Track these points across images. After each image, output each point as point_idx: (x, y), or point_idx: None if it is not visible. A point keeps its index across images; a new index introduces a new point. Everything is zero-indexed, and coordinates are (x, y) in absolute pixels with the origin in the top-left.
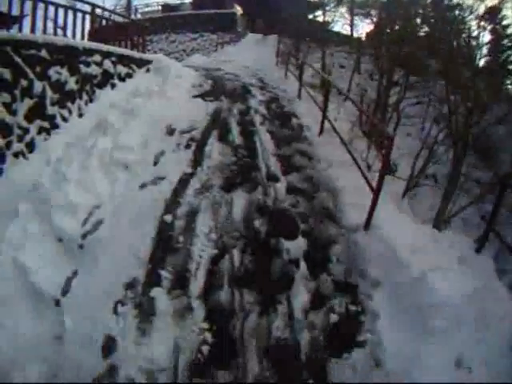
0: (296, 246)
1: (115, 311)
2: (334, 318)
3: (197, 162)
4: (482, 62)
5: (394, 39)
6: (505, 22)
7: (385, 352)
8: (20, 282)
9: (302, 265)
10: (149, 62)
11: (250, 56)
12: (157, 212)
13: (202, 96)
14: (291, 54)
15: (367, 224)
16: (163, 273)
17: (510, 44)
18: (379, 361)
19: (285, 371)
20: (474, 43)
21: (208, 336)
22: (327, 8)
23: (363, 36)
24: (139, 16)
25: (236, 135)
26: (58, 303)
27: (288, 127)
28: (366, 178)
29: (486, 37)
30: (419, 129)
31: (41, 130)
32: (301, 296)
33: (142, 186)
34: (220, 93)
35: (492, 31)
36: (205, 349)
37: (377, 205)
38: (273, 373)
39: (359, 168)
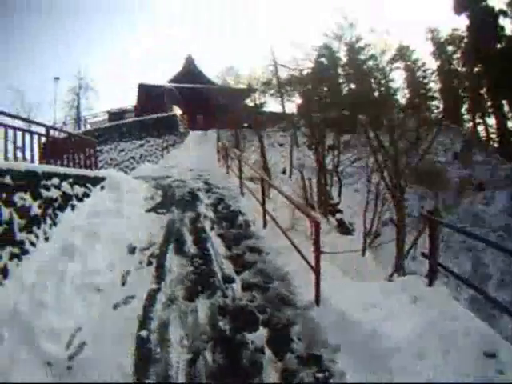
0: (258, 337)
1: None
2: None
3: (160, 277)
4: (404, 100)
5: (321, 104)
6: (414, 57)
7: None
8: None
9: (267, 351)
10: (103, 179)
11: (193, 157)
12: (132, 329)
13: (155, 209)
14: (230, 149)
15: (317, 299)
16: (149, 382)
17: (423, 74)
18: None
19: None
20: (391, 85)
21: None
22: (258, 92)
23: (295, 110)
24: (88, 126)
25: (190, 245)
26: None
27: (235, 226)
28: (306, 261)
29: (402, 76)
30: (365, 182)
31: (12, 256)
32: (272, 378)
33: (115, 306)
34: (170, 203)
35: (405, 68)
36: None
37: (319, 281)
38: None
39: (299, 252)
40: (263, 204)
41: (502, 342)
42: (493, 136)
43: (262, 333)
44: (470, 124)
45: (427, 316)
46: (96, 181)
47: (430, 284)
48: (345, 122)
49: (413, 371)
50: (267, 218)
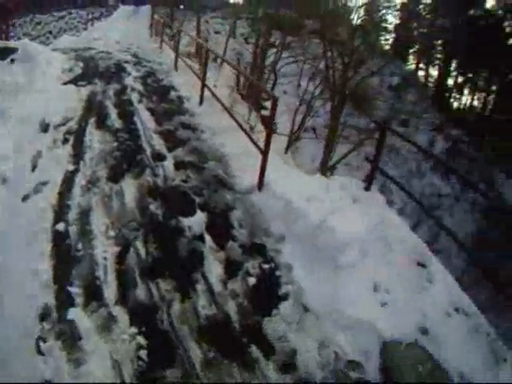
0: (196, 222)
1: (39, 351)
2: (252, 280)
3: (78, 156)
4: (359, 21)
5: (271, 2)
6: None
7: (308, 296)
8: None
9: (207, 238)
10: (14, 50)
11: (122, 30)
12: (47, 223)
13: (74, 81)
14: (165, 23)
15: (260, 184)
16: (73, 289)
17: (385, 4)
18: (306, 306)
19: (226, 345)
20: (350, 4)
21: (141, 340)
22: None
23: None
24: None
25: (115, 119)
26: None
27: (167, 101)
28: (252, 141)
29: None
30: (295, 86)
31: None
32: (215, 269)
33: (25, 197)
34: (93, 75)
35: None
36: (143, 353)
37: (266, 164)
38: (216, 351)
39: (245, 132)
40: (203, 79)
41: (430, 254)
42: (430, 85)
43: (200, 217)
44: (413, 66)
45: (369, 218)
46: (5, 52)
47: (368, 188)
48: (291, 26)
49: (359, 268)
50: (205, 95)
